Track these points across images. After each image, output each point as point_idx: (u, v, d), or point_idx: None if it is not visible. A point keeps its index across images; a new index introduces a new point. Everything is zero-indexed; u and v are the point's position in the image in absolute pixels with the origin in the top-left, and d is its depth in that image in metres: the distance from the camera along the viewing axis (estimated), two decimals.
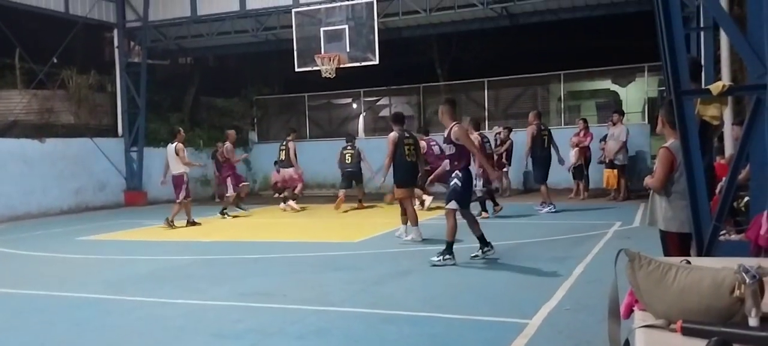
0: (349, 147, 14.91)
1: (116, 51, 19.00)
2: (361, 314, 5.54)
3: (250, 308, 5.87)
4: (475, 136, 12.81)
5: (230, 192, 14.28)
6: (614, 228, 10.16)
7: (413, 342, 4.75)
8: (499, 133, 16.57)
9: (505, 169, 16.33)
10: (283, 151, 14.61)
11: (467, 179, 7.72)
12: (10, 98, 17.04)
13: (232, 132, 14.94)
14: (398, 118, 9.61)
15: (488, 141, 12.96)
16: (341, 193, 14.47)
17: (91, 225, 13.24)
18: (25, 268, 8.58)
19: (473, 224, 7.86)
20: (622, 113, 15.19)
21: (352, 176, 14.82)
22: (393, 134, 9.32)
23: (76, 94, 18.25)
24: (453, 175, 7.73)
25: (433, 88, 21.09)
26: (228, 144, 14.40)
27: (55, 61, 17.17)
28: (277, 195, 19.07)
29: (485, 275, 7.04)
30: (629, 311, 2.52)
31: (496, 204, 12.49)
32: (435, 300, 5.94)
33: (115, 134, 18.86)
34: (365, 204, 14.85)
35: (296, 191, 14.90)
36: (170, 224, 12.14)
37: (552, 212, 12.49)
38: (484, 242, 7.78)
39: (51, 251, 9.75)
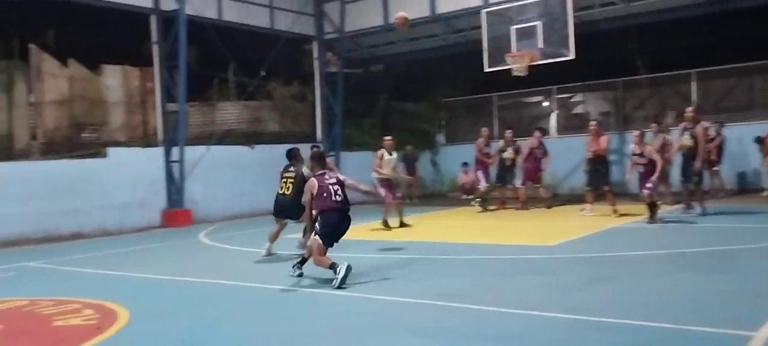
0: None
1: (315, 62, 20.22)
2: (561, 320, 5.33)
3: (447, 308, 5.90)
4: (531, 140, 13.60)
5: (482, 184, 15.18)
6: None
7: None
8: (708, 128, 15.20)
9: (715, 169, 14.99)
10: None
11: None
12: (225, 109, 18.84)
13: (484, 129, 15.86)
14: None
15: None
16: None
17: (297, 225, 14.14)
18: (241, 262, 9.39)
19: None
20: None
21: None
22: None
23: (281, 104, 19.71)
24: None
25: (632, 82, 19.84)
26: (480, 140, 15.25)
27: (263, 74, 18.67)
28: (464, 196, 19.18)
29: (697, 284, 6.47)
30: None
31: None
32: (641, 309, 5.56)
33: (314, 140, 20.08)
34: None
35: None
36: (402, 224, 12.61)
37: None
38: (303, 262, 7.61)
39: (262, 248, 10.55)
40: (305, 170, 9.10)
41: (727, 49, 18.92)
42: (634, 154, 11.52)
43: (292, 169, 9.48)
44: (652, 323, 5.05)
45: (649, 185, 11.22)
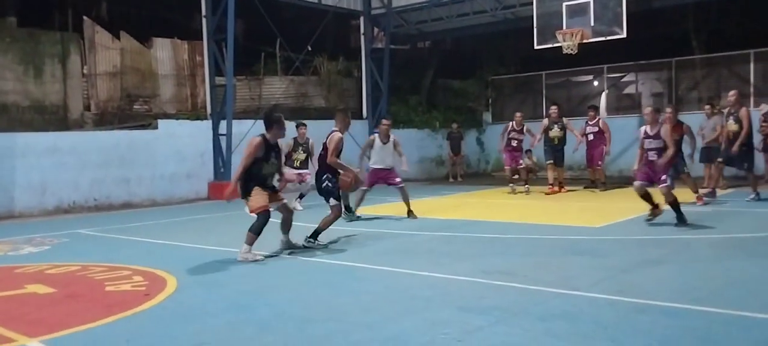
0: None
1: (362, 38, 20.15)
2: (608, 301, 5.23)
3: (492, 286, 5.86)
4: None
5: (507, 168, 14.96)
6: None
7: (669, 334, 4.36)
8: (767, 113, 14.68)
9: None
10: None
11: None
12: (272, 84, 18.99)
13: (517, 114, 15.24)
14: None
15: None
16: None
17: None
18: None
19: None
20: None
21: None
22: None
23: (327, 80, 19.78)
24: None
25: (687, 62, 19.25)
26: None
27: (309, 49, 18.72)
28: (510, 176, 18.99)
29: (752, 269, 6.27)
30: None
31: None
32: (692, 292, 5.41)
33: (360, 117, 20.06)
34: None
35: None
36: None
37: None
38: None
39: (304, 222, 10.64)
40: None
41: None
42: (647, 137, 9.37)
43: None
44: (702, 308, 4.92)
45: (663, 177, 9.05)
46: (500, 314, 4.95)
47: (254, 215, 7.38)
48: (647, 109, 9.68)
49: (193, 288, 6.16)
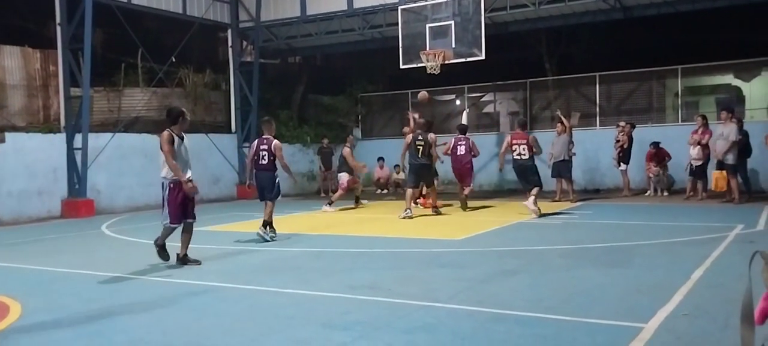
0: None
1: (230, 51, 19.82)
2: (468, 312, 5.47)
3: (357, 301, 5.94)
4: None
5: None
6: (736, 231, 9.54)
7: (523, 343, 4.62)
8: (624, 129, 16.07)
9: (622, 168, 16.03)
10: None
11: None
12: (133, 96, 18.16)
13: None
14: None
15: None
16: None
17: (206, 217, 13.84)
18: (146, 256, 9.07)
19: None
20: (731, 111, 13.99)
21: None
22: None
23: (193, 93, 19.21)
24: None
25: (540, 83, 20.60)
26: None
27: (174, 60, 18.12)
28: (379, 190, 19.42)
29: (597, 278, 6.77)
30: (764, 317, 2.37)
31: None
32: (544, 301, 5.77)
33: (228, 131, 19.69)
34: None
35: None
36: None
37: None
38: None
39: (169, 241, 10.26)
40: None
41: (629, 55, 19.99)
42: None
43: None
44: (554, 316, 5.24)
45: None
46: (363, 329, 5.02)
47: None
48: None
49: (39, 315, 5.75)
